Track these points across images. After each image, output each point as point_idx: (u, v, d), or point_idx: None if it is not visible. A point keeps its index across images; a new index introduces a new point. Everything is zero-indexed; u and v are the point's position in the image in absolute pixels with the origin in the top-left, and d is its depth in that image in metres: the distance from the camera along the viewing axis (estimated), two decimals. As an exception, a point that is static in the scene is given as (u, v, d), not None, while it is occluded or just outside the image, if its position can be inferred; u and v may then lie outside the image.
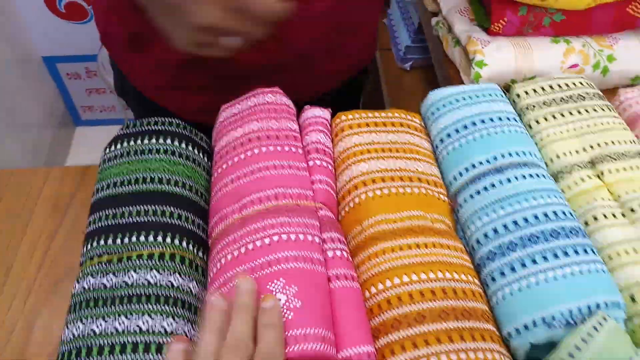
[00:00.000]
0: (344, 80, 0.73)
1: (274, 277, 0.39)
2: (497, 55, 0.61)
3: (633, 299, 0.42)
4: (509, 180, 0.47)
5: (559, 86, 0.55)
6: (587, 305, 0.40)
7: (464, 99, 0.54)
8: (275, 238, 0.42)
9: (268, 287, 0.39)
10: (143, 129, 0.51)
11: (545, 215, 0.44)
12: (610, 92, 0.59)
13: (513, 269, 0.42)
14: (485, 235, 0.45)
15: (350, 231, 0.47)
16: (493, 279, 0.43)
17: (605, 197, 0.48)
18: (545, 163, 0.51)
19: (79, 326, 0.39)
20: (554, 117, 0.53)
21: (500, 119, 0.52)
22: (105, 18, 0.64)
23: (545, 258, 0.42)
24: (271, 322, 0.36)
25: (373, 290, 0.42)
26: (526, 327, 0.40)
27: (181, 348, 0.36)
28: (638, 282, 0.43)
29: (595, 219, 0.47)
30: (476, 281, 0.44)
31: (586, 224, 0.47)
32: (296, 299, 0.38)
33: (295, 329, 0.37)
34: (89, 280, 0.41)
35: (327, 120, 0.54)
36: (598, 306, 0.40)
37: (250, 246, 0.42)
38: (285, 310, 0.38)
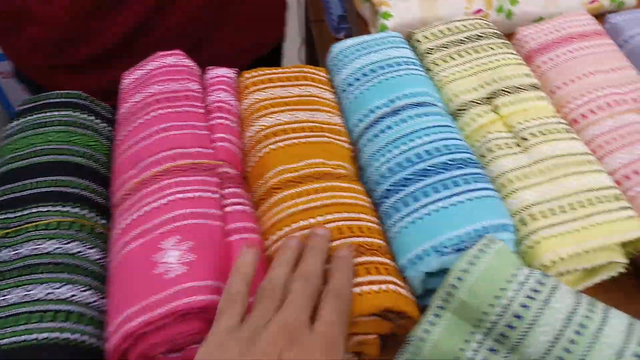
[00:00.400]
0: (249, 61, 0.73)
1: (169, 235, 0.40)
2: (402, 5, 0.62)
3: (524, 222, 0.44)
4: (403, 121, 0.48)
5: (457, 28, 0.56)
6: (475, 230, 0.41)
7: (365, 48, 0.55)
8: (172, 198, 0.42)
9: (161, 244, 0.39)
10: (42, 102, 0.50)
11: (437, 149, 0.45)
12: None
13: (406, 204, 0.43)
14: (382, 175, 0.46)
15: (255, 184, 0.47)
16: (389, 216, 0.44)
17: (500, 130, 0.49)
18: (445, 103, 0.52)
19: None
20: (452, 58, 0.54)
21: (398, 64, 0.52)
22: None
23: (436, 190, 0.43)
24: (343, 267, 0.38)
25: (273, 237, 0.43)
26: (419, 257, 0.41)
27: (252, 258, 0.38)
28: (528, 206, 0.44)
29: (491, 150, 0.48)
30: (373, 219, 0.45)
31: (483, 156, 0.48)
32: (190, 254, 0.39)
33: (186, 283, 0.37)
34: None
35: (230, 79, 0.54)
36: (486, 230, 0.41)
37: (147, 208, 0.42)
38: (178, 265, 0.38)
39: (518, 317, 0.38)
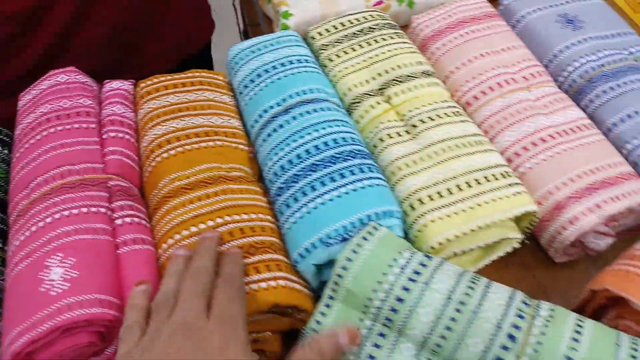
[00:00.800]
0: (177, 62, 0.74)
1: (54, 253, 0.40)
2: (302, 4, 0.62)
3: (412, 207, 0.45)
4: (294, 118, 0.48)
5: (350, 22, 0.57)
6: (360, 219, 0.42)
7: (259, 49, 0.55)
8: (57, 216, 0.42)
9: (47, 262, 0.39)
10: None
11: (326, 144, 0.46)
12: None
13: (296, 199, 0.44)
14: (275, 174, 0.47)
15: (150, 194, 0.47)
16: (281, 213, 0.45)
17: (392, 119, 0.50)
18: (341, 98, 0.53)
19: None
20: (345, 52, 0.55)
21: (291, 62, 0.53)
22: None
23: (323, 183, 0.44)
24: (232, 258, 0.40)
25: (164, 246, 0.43)
26: (307, 250, 0.42)
27: (143, 289, 0.38)
28: (416, 191, 0.45)
29: (382, 140, 0.49)
30: (268, 217, 0.45)
31: (375, 147, 0.49)
32: (74, 270, 0.39)
33: (69, 298, 0.37)
34: None
35: (126, 91, 0.54)
36: (370, 218, 0.42)
37: (33, 228, 0.42)
38: (62, 282, 0.38)
39: (400, 300, 0.38)
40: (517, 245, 0.47)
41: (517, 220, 0.47)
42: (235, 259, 0.40)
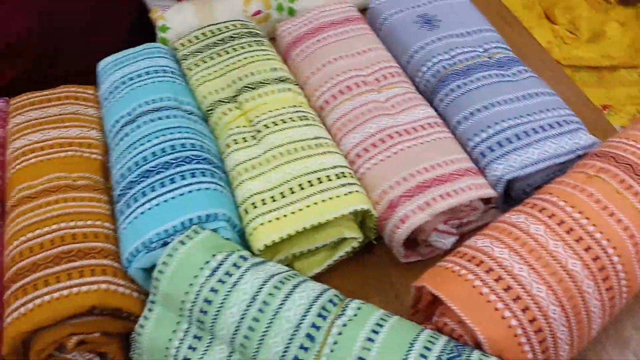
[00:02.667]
0: None
1: None
2: (178, 17, 0.63)
3: (246, 211, 0.46)
4: (139, 127, 0.50)
5: (212, 32, 0.58)
6: (182, 222, 0.43)
7: (122, 62, 0.56)
8: None
9: None
10: None
11: (163, 150, 0.47)
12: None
13: (129, 206, 0.45)
14: (117, 181, 0.48)
15: (7, 202, 0.49)
16: (117, 219, 0.46)
17: (241, 125, 0.51)
18: (198, 106, 0.54)
19: None
20: (203, 61, 0.56)
21: (148, 73, 0.54)
22: None
23: (153, 189, 0.45)
24: None
25: (6, 252, 0.44)
26: (132, 254, 0.43)
27: None
28: (251, 195, 0.46)
29: (228, 146, 0.50)
30: (107, 225, 0.46)
31: (223, 152, 0.50)
32: None
33: None
34: None
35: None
36: (193, 222, 0.43)
37: None
38: None
39: (208, 301, 0.39)
40: (357, 245, 0.48)
41: (362, 221, 0.48)
42: None
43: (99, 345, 0.43)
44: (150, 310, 0.42)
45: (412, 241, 0.48)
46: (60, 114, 0.54)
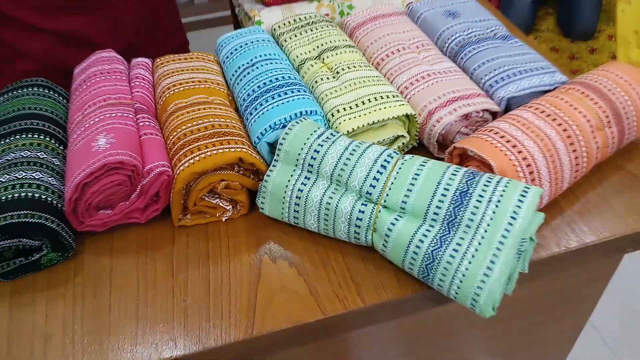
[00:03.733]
0: None
1: (99, 133, 0.63)
2: (268, 14, 0.89)
3: (332, 115, 0.68)
4: (257, 68, 0.73)
5: (299, 19, 0.83)
6: (295, 113, 0.65)
7: (235, 36, 0.81)
8: (102, 116, 0.66)
9: (96, 138, 0.63)
10: (20, 85, 0.75)
11: (276, 79, 0.71)
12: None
13: (255, 108, 0.68)
14: (244, 99, 0.71)
15: (162, 115, 0.71)
16: (247, 118, 0.69)
17: (324, 71, 0.75)
18: (292, 61, 0.78)
19: None
20: (295, 35, 0.81)
21: (257, 40, 0.79)
22: None
23: (272, 97, 0.68)
24: None
25: (168, 141, 0.67)
26: (262, 133, 0.65)
27: None
28: (335, 106, 0.69)
29: (316, 82, 0.73)
30: (237, 124, 0.69)
31: (312, 87, 0.73)
32: (113, 139, 0.62)
33: (110, 151, 0.60)
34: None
35: (147, 62, 0.80)
36: (301, 113, 0.66)
37: (87, 124, 0.66)
38: (106, 144, 0.61)
39: (316, 151, 0.61)
40: (404, 143, 0.70)
41: (409, 127, 0.70)
42: None
43: (235, 193, 0.64)
44: (274, 166, 0.63)
45: (442, 144, 0.70)
46: (194, 66, 0.78)
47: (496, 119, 0.65)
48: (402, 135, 0.69)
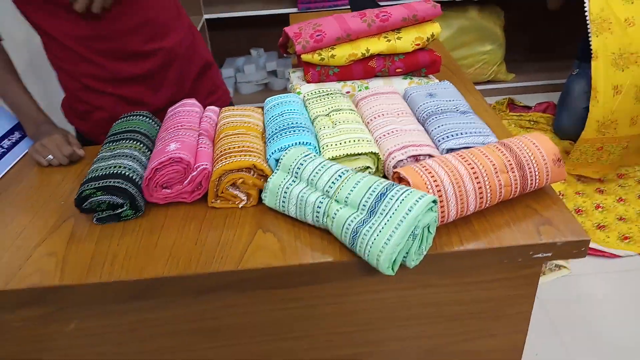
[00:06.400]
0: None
1: (172, 141, 1.00)
2: (305, 88, 1.25)
3: (323, 148, 1.01)
4: (283, 116, 1.08)
5: (322, 91, 1.18)
6: (296, 142, 0.99)
7: (280, 98, 1.17)
8: (176, 133, 1.03)
9: (169, 144, 0.99)
10: (131, 114, 1.16)
11: (290, 124, 1.05)
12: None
13: (272, 140, 1.02)
14: (269, 134, 1.05)
15: (216, 138, 1.07)
16: (268, 143, 1.03)
17: (328, 123, 1.08)
18: (310, 116, 1.13)
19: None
20: (316, 100, 1.16)
21: (292, 101, 1.14)
22: None
23: (286, 133, 1.02)
24: None
25: (217, 151, 1.02)
26: (272, 152, 0.99)
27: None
28: (326, 143, 1.01)
29: (320, 128, 1.06)
30: (258, 147, 1.03)
31: (317, 131, 1.07)
32: (179, 145, 0.99)
33: (176, 151, 0.96)
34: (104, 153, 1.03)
35: (216, 109, 1.18)
36: (300, 143, 0.99)
37: (167, 137, 1.03)
38: (175, 147, 0.98)
39: (301, 164, 0.93)
40: (372, 172, 1.00)
41: (378, 164, 1.01)
42: None
43: (249, 188, 0.97)
44: (275, 172, 0.96)
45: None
46: (244, 114, 1.15)
47: (433, 158, 0.94)
48: (369, 167, 0.99)
